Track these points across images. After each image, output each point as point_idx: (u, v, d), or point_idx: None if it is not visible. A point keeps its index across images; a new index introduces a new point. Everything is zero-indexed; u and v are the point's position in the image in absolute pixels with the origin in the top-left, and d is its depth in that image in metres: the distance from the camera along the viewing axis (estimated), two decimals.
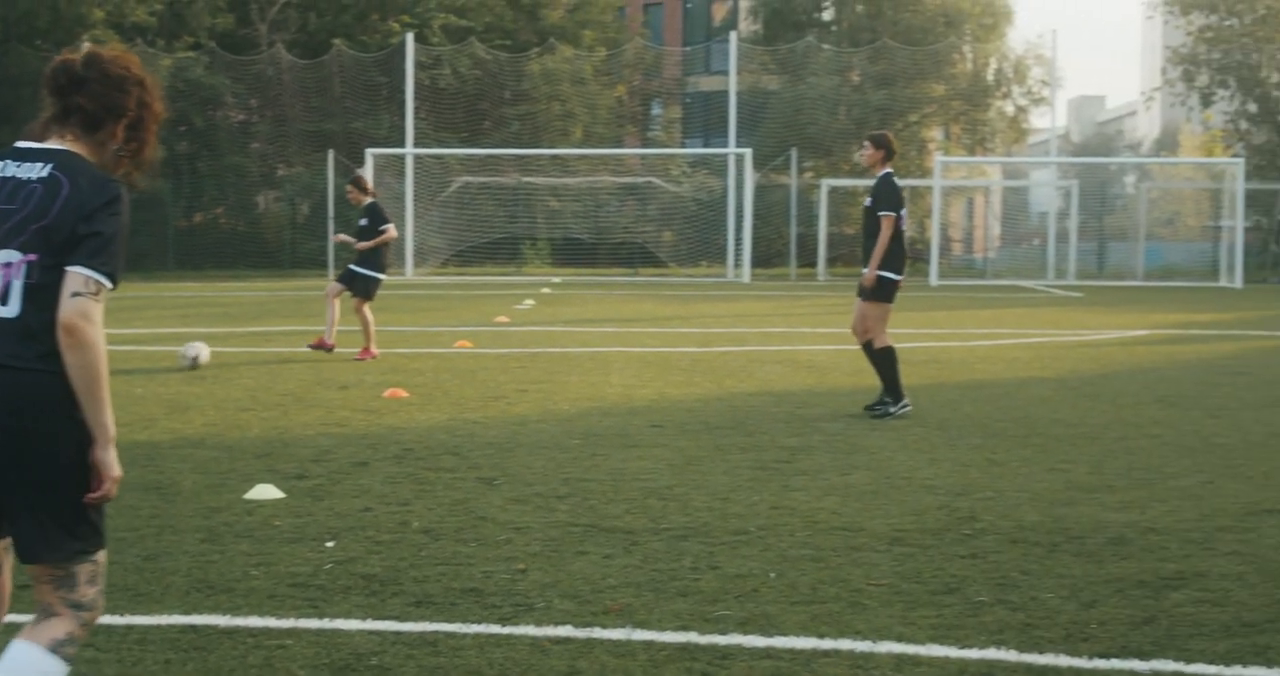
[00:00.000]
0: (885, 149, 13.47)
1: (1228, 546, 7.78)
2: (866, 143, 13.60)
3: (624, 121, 62.39)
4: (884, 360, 13.27)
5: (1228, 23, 62.91)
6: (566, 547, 7.69)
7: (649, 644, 5.94)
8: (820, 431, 12.14)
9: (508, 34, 59.60)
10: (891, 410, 13.09)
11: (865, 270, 13.37)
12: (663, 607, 6.49)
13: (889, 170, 13.47)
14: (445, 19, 57.72)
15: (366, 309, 18.49)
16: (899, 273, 13.36)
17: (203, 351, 17.30)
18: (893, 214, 13.27)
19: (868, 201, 13.49)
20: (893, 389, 13.21)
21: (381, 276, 18.82)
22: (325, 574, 7.08)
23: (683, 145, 64.39)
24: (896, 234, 13.31)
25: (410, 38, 51.96)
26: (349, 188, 19.10)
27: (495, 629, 6.15)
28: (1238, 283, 47.60)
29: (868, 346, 13.45)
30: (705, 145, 61.76)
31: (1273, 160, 62.28)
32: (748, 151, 49.75)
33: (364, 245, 18.66)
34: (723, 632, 6.10)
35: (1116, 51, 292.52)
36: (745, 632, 6.11)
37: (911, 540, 7.88)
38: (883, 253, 13.24)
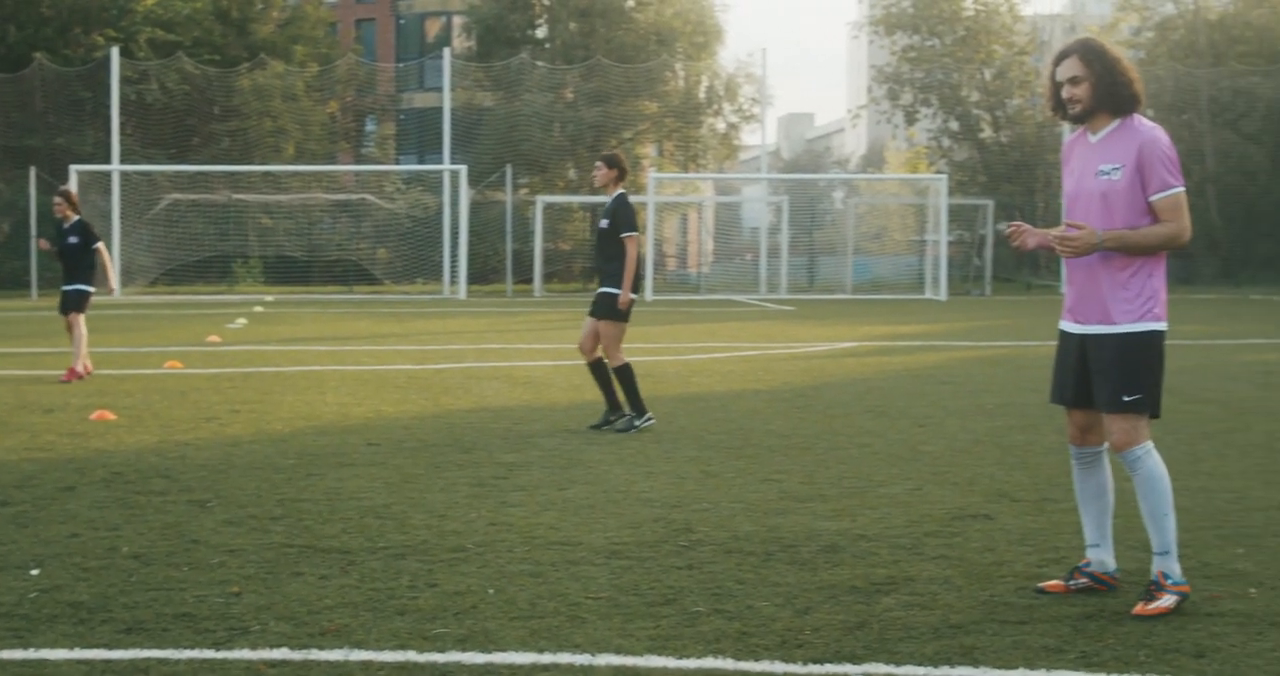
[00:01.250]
0: (618, 168, 13.50)
1: (935, 551, 7.99)
2: (599, 163, 13.59)
3: (337, 138, 61.88)
4: (623, 377, 13.33)
5: (929, 43, 64.85)
6: (282, 569, 7.56)
7: (367, 664, 5.87)
8: (538, 447, 12.15)
9: (217, 49, 58.68)
10: (637, 423, 13.20)
11: (605, 289, 13.41)
12: (381, 627, 6.42)
13: (623, 190, 13.54)
14: (152, 33, 56.60)
15: (81, 321, 18.06)
16: (635, 291, 13.48)
17: None
18: (636, 234, 13.39)
19: (604, 223, 13.51)
20: (635, 403, 13.29)
21: (93, 289, 18.43)
22: (30, 603, 6.85)
23: (397, 162, 64.10)
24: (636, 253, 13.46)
25: (115, 52, 50.72)
26: (57, 201, 18.54)
27: (209, 653, 6.01)
28: (942, 295, 48.99)
29: (596, 364, 13.50)
30: (420, 162, 61.58)
31: (974, 176, 64.38)
32: (462, 168, 49.66)
33: (111, 276, 18.57)
34: (441, 650, 6.05)
35: (824, 71, 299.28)
36: (464, 649, 6.07)
37: (629, 553, 7.93)
38: (633, 273, 13.32)
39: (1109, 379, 6.84)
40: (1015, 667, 5.83)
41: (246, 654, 6.02)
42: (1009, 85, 64.63)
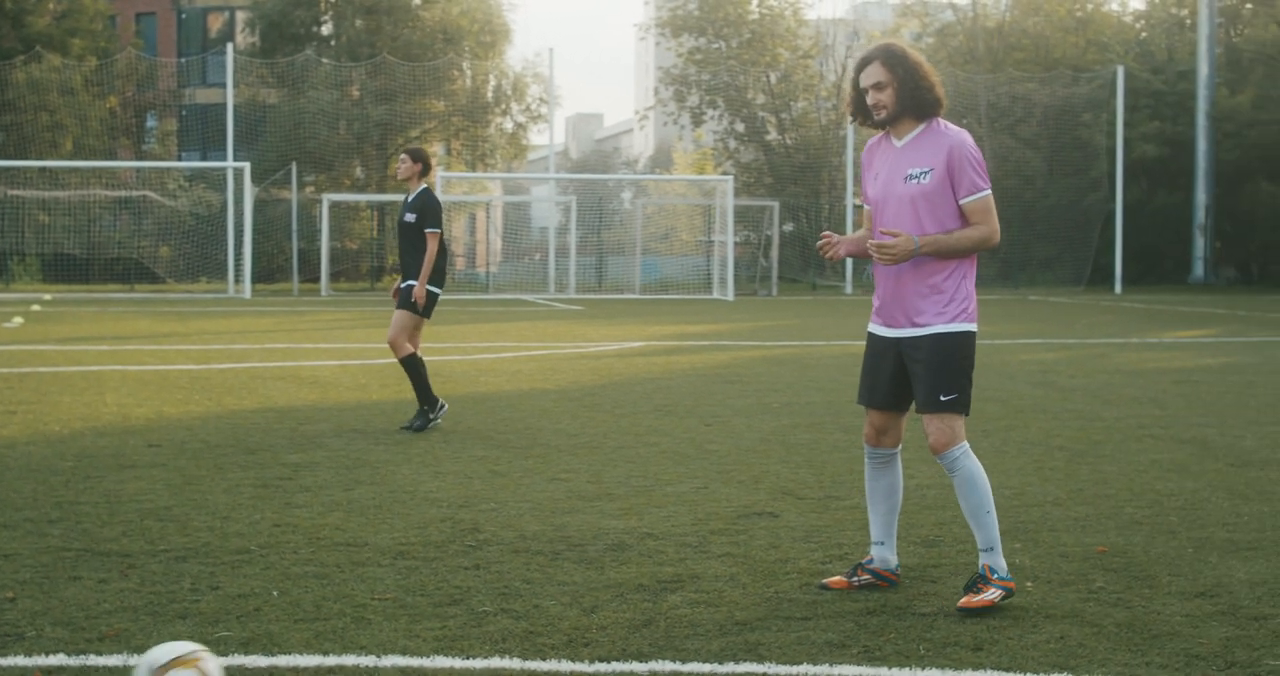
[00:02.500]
0: (423, 163, 13.53)
1: (721, 549, 8.05)
2: (405, 155, 13.59)
3: (117, 134, 60.60)
4: (409, 368, 13.36)
5: (715, 46, 65.49)
6: (59, 573, 7.38)
7: None
8: (324, 447, 12.02)
9: None
10: (431, 416, 13.20)
11: (410, 283, 13.44)
12: (161, 631, 6.30)
13: (426, 185, 13.54)
14: None
15: None
16: (439, 287, 13.55)
17: None
18: (439, 230, 13.45)
19: (409, 216, 13.51)
20: (425, 395, 13.27)
21: None
22: None
23: (179, 159, 62.93)
24: (441, 248, 13.47)
25: None
26: None
27: None
28: (729, 295, 49.42)
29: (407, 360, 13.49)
30: (203, 159, 60.49)
31: (760, 178, 65.17)
32: (246, 165, 48.91)
33: None
34: (224, 654, 5.95)
35: (613, 72, 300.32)
36: (248, 652, 5.98)
37: (415, 553, 7.88)
38: (431, 268, 13.37)
39: (925, 380, 6.92)
40: (799, 663, 5.90)
41: (20, 660, 5.87)
42: (794, 88, 65.55)
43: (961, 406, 6.94)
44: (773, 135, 66.02)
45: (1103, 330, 28.96)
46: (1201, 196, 57.49)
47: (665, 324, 32.17)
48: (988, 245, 6.89)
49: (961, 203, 6.86)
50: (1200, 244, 57.95)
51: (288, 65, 58.54)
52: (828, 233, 7.23)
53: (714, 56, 64.75)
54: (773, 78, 65.53)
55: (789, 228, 62.60)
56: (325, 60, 59.10)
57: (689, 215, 63.59)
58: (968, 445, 6.99)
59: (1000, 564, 6.87)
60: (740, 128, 66.18)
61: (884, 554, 7.26)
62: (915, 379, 6.98)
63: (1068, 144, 58.85)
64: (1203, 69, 57.42)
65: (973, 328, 6.98)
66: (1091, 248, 56.38)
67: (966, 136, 6.93)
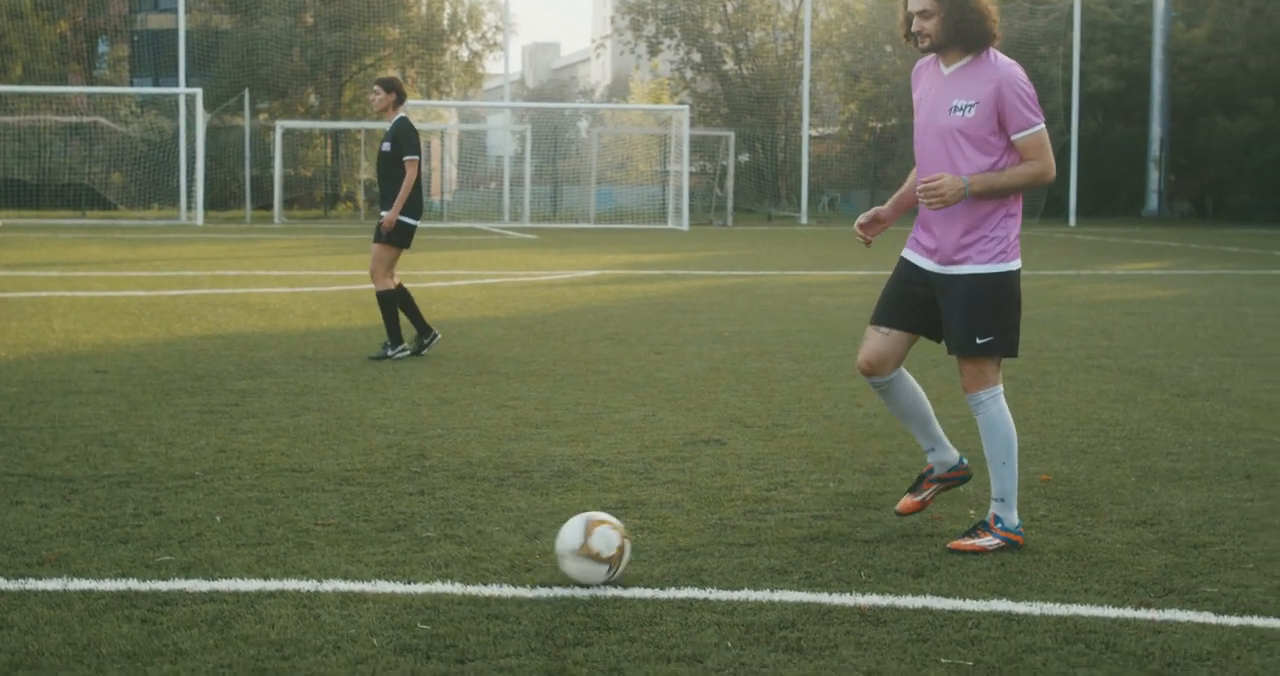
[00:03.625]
0: (396, 92, 13.40)
1: (666, 476, 8.06)
2: (377, 87, 13.48)
3: (68, 59, 59.95)
4: (384, 303, 13.26)
5: None
6: (1, 498, 7.34)
7: (86, 593, 5.73)
8: (272, 374, 11.97)
9: None
10: (390, 352, 13.07)
11: (385, 213, 13.29)
12: (102, 555, 6.28)
13: (403, 114, 13.40)
14: None
15: None
16: (416, 217, 13.41)
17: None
18: (417, 158, 13.28)
19: (386, 146, 13.38)
20: (391, 332, 13.19)
21: None
22: None
23: (132, 84, 62.33)
24: (417, 178, 13.29)
25: None
26: None
27: None
28: (684, 225, 49.36)
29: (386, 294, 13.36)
30: (155, 85, 59.95)
31: (716, 108, 64.95)
32: (198, 92, 48.44)
33: None
34: (164, 578, 5.94)
35: (570, 1, 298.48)
36: (188, 577, 5.97)
37: (360, 479, 7.86)
38: (406, 196, 13.19)
39: (961, 321, 6.66)
40: (740, 589, 5.91)
41: None
42: (751, 18, 65.22)
43: (997, 349, 6.67)
44: (729, 65, 65.77)
45: (1055, 262, 29.04)
46: (1157, 130, 57.58)
47: (619, 253, 32.12)
48: (1042, 182, 6.61)
49: (1014, 138, 6.54)
50: (1155, 177, 58.09)
51: None
52: (861, 222, 6.96)
53: None
54: (729, 7, 65.21)
55: (745, 158, 62.48)
56: None
57: (645, 145, 63.35)
58: (999, 390, 6.75)
59: (1010, 517, 6.65)
60: (697, 57, 65.89)
61: (940, 457, 7.05)
62: (949, 319, 6.72)
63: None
64: (1159, 2, 57.39)
65: (1015, 266, 6.67)
66: None
67: (1017, 70, 6.61)
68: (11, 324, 15.44)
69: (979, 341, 6.65)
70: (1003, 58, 6.66)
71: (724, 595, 5.82)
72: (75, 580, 5.91)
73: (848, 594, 5.87)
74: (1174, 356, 13.74)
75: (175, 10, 52.41)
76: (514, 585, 5.92)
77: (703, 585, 5.96)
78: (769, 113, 63.30)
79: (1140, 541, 6.74)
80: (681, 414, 10.20)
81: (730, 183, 54.59)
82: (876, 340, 6.89)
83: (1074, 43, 54.84)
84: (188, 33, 51.23)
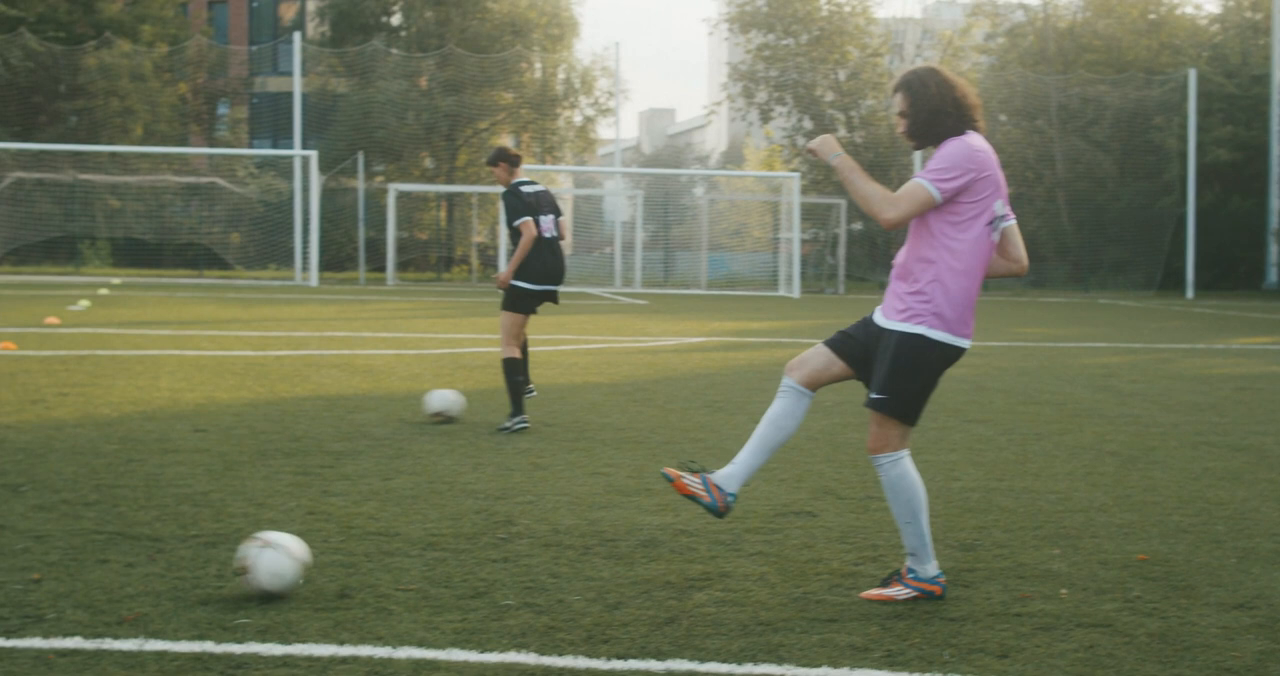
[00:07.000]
0: (504, 160, 13.10)
1: (754, 547, 7.96)
2: (489, 167, 13.24)
3: (188, 120, 61.03)
4: (506, 371, 12.88)
5: (784, 42, 65.13)
6: (87, 556, 7.37)
7: (161, 654, 5.73)
8: (368, 436, 12.00)
9: (62, 26, 57.62)
10: (507, 424, 12.60)
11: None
12: (181, 616, 6.28)
13: (517, 180, 13.14)
14: None
15: None
16: (533, 282, 13.10)
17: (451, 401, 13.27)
18: (528, 219, 12.96)
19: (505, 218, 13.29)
20: (514, 401, 12.74)
21: None
22: None
23: (250, 146, 63.30)
24: (536, 243, 13.02)
25: None
26: None
27: None
28: (795, 293, 49.26)
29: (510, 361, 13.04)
30: (273, 147, 60.84)
31: (828, 175, 64.79)
32: (313, 154, 49.12)
33: None
34: (240, 641, 5.92)
35: (687, 67, 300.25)
36: (263, 641, 5.95)
37: (445, 544, 7.83)
38: (518, 261, 12.95)
39: (874, 375, 6.87)
40: (819, 666, 5.80)
41: (37, 642, 5.86)
42: (863, 87, 65.12)
43: (891, 409, 6.80)
44: (841, 133, 65.66)
45: (1169, 336, 28.65)
46: (1275, 202, 56.81)
47: (728, 320, 32.06)
48: (871, 206, 6.74)
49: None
50: (1274, 250, 57.25)
51: (357, 55, 58.79)
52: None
53: (782, 53, 64.39)
54: (842, 75, 65.18)
55: (857, 226, 62.30)
56: (394, 50, 59.29)
57: (758, 212, 63.38)
58: (901, 455, 6.86)
59: (925, 569, 6.85)
60: (808, 125, 65.84)
61: (730, 472, 7.03)
62: (875, 370, 6.91)
63: (1139, 147, 58.35)
64: (1277, 74, 56.73)
65: (931, 333, 6.74)
66: (1163, 252, 55.92)
67: (959, 140, 6.75)
68: (119, 382, 15.60)
69: (873, 396, 6.83)
70: (974, 135, 6.81)
71: (801, 671, 5.72)
72: (151, 640, 5.91)
73: (929, 673, 5.74)
74: None
75: (292, 73, 53.20)
76: (589, 656, 5.85)
77: (780, 661, 5.86)
78: (881, 180, 62.91)
79: (1237, 625, 6.56)
80: (774, 484, 10.10)
81: (842, 250, 54.46)
82: (819, 351, 7.07)
83: (1190, 113, 54.36)
84: (304, 95, 52.02)
